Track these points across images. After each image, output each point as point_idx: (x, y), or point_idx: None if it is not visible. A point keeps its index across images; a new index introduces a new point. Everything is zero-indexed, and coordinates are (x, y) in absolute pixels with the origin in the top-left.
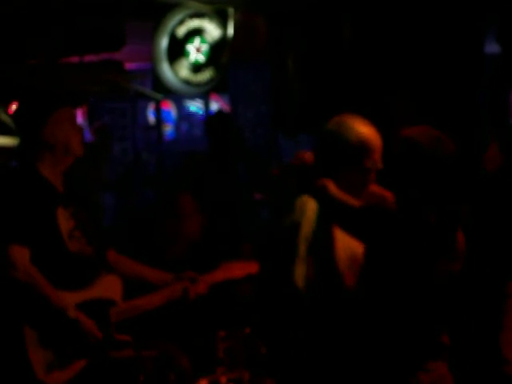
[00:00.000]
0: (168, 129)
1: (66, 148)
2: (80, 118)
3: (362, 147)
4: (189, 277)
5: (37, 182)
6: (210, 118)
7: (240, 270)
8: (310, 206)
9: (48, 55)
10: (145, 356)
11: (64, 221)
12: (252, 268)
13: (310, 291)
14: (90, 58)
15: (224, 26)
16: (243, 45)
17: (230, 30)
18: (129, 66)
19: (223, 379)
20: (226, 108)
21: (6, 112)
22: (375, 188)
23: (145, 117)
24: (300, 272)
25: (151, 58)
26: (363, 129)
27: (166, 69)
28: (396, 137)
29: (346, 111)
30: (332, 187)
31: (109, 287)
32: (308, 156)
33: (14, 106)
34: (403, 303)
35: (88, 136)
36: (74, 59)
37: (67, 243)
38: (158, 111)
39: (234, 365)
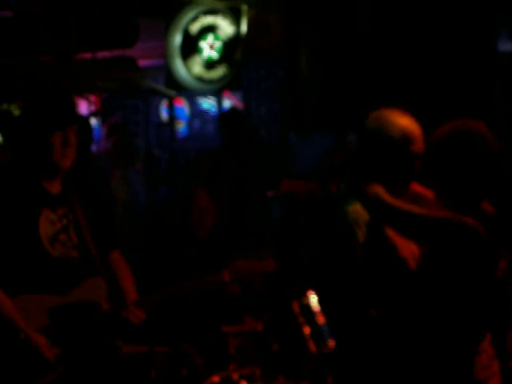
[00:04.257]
0: (181, 126)
1: (53, 160)
2: (86, 111)
3: (405, 138)
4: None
5: (23, 182)
6: (222, 114)
7: (257, 268)
8: (362, 217)
9: (61, 51)
10: (157, 352)
11: (47, 224)
12: (269, 266)
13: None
14: (103, 54)
15: (237, 22)
16: (256, 42)
17: (244, 27)
18: (142, 62)
19: (235, 376)
20: (239, 105)
21: (19, 108)
22: (417, 187)
23: (158, 114)
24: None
25: (164, 54)
26: (403, 120)
27: (179, 65)
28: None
29: (359, 110)
30: (385, 194)
31: (91, 291)
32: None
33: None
34: (463, 300)
35: (98, 133)
36: (87, 55)
37: (47, 248)
38: (171, 108)
39: (246, 361)
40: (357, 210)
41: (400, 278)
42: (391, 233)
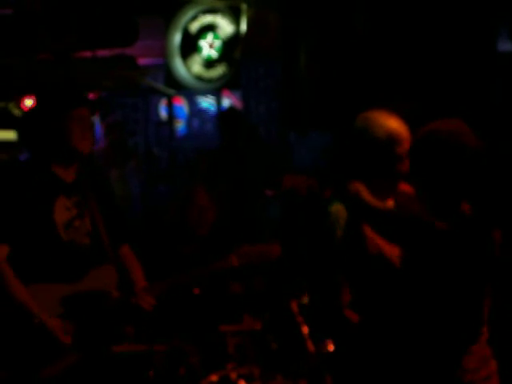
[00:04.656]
0: (180, 125)
1: (72, 145)
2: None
3: (390, 139)
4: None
5: (39, 171)
6: (221, 113)
7: (264, 253)
8: (343, 216)
9: (61, 50)
10: (156, 351)
11: (63, 210)
12: (275, 251)
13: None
14: (102, 52)
15: (237, 21)
16: (256, 41)
17: (243, 26)
18: (141, 61)
19: (233, 375)
20: (238, 104)
21: (17, 106)
22: (405, 187)
23: (157, 112)
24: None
25: (164, 53)
26: (390, 122)
27: (178, 64)
28: (418, 133)
29: (358, 109)
30: (365, 192)
31: (102, 279)
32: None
33: (26, 100)
34: (446, 299)
35: (99, 131)
36: (87, 54)
37: (62, 232)
38: (170, 107)
39: (245, 360)
40: (339, 209)
41: (375, 276)
42: (369, 231)
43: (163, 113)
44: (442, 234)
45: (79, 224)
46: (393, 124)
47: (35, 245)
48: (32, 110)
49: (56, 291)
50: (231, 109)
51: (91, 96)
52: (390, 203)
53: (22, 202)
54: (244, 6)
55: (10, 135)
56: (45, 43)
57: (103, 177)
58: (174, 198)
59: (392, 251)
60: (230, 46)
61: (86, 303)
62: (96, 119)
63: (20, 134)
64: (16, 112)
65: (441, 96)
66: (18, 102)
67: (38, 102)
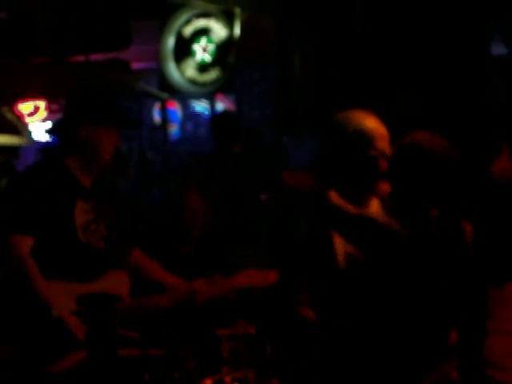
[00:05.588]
0: (173, 128)
1: (95, 152)
2: None
3: (361, 137)
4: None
5: (60, 173)
6: (214, 117)
7: (261, 278)
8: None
9: (55, 54)
10: (150, 355)
11: (81, 213)
12: (272, 277)
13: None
14: (96, 57)
15: (231, 26)
16: (249, 45)
17: (237, 30)
18: (135, 65)
19: (228, 379)
20: (232, 108)
21: (11, 111)
22: (387, 187)
23: (150, 116)
24: None
25: (157, 57)
26: (363, 120)
27: (172, 68)
28: (397, 141)
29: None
30: (331, 193)
31: (116, 283)
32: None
33: (19, 105)
34: (410, 306)
35: None
36: (80, 58)
37: (80, 234)
38: (164, 111)
39: (239, 364)
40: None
41: (329, 275)
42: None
43: (157, 117)
44: (404, 240)
45: (95, 228)
46: (367, 123)
47: (54, 243)
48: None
49: (70, 289)
50: (225, 112)
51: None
52: (374, 206)
53: (46, 199)
54: (238, 10)
55: (4, 139)
56: (40, 46)
57: (113, 183)
58: (168, 201)
59: (347, 250)
60: (223, 49)
61: (100, 304)
62: None
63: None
64: (9, 116)
65: (438, 98)
66: (12, 107)
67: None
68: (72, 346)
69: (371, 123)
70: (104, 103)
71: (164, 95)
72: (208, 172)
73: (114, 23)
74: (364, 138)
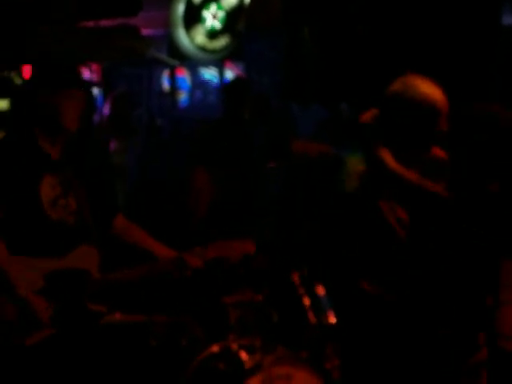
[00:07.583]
0: (182, 96)
1: (56, 120)
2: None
3: (434, 111)
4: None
5: (27, 145)
6: (228, 83)
7: (236, 249)
8: (356, 169)
9: (64, 20)
10: (156, 321)
11: (49, 188)
12: (249, 247)
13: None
14: (105, 23)
15: None
16: (259, 13)
17: None
18: (144, 32)
19: (234, 346)
20: (241, 76)
21: (20, 76)
22: (437, 151)
23: (159, 83)
24: None
25: (167, 24)
26: (432, 91)
27: (181, 35)
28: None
29: (362, 82)
30: (390, 160)
31: (85, 258)
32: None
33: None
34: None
35: (100, 103)
36: (90, 24)
37: (47, 210)
38: (173, 78)
39: (246, 332)
40: (354, 162)
41: (390, 245)
42: (383, 203)
43: (166, 84)
44: (443, 200)
45: (63, 203)
46: (437, 95)
47: (21, 219)
48: (27, 82)
49: (37, 266)
50: (238, 79)
51: (94, 67)
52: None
53: (10, 173)
54: None
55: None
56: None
57: (97, 151)
58: (174, 173)
59: (399, 220)
60: (233, 17)
61: (66, 280)
62: (97, 91)
63: (12, 105)
64: (18, 81)
65: (445, 69)
66: (20, 71)
67: (35, 75)
68: (36, 326)
69: (440, 96)
70: (64, 70)
71: (174, 62)
72: (216, 137)
73: None
74: (436, 112)
